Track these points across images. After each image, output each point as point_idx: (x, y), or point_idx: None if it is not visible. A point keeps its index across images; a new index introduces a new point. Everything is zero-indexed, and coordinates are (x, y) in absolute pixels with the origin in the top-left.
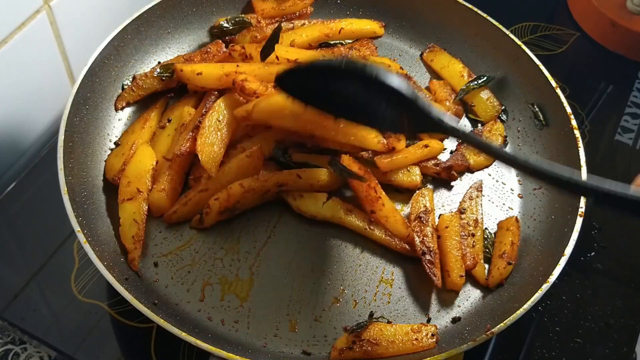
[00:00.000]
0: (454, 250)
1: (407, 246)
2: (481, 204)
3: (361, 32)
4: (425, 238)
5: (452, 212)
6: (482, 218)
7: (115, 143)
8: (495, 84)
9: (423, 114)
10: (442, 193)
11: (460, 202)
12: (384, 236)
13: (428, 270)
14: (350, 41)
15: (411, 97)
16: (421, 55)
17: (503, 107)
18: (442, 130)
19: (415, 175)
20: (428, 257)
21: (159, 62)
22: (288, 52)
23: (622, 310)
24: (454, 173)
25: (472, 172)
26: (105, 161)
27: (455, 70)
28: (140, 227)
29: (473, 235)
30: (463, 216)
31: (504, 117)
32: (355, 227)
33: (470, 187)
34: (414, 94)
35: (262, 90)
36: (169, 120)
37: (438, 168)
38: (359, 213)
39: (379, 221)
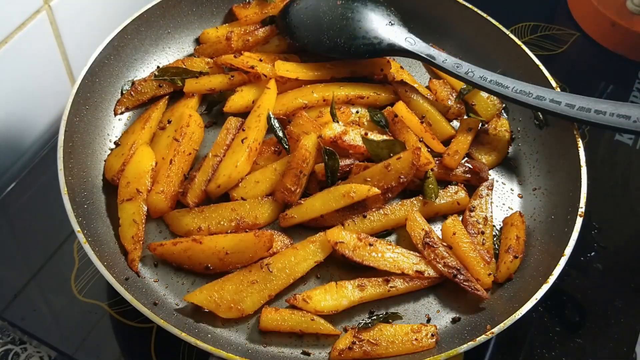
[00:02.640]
0: (471, 252)
1: (433, 276)
2: (491, 202)
3: None
4: (445, 260)
5: (451, 217)
6: (491, 216)
7: (115, 143)
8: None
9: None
10: None
11: (470, 200)
12: (407, 285)
13: (469, 289)
14: None
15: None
16: None
17: (504, 105)
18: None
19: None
20: (461, 276)
21: (158, 66)
22: (289, 71)
23: (622, 310)
24: (482, 175)
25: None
26: (104, 161)
27: None
28: (139, 228)
29: (483, 232)
30: (472, 214)
31: (504, 116)
32: (377, 296)
33: (482, 185)
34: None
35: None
36: (169, 122)
37: (468, 175)
38: (371, 281)
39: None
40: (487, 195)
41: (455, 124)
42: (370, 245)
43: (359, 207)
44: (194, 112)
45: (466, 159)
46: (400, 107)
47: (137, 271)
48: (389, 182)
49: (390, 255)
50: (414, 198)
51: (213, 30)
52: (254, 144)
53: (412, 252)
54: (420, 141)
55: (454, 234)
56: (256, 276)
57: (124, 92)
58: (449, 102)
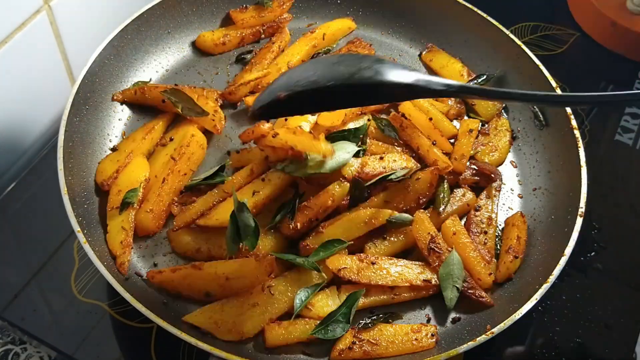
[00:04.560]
0: (471, 252)
1: (438, 284)
2: (497, 204)
3: (340, 31)
4: None
5: (451, 217)
6: (496, 217)
7: (113, 148)
8: (495, 84)
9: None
10: None
11: (476, 200)
12: (412, 294)
13: (474, 297)
14: (335, 46)
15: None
16: (420, 55)
17: (504, 106)
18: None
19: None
20: (466, 284)
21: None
22: (288, 136)
23: (622, 310)
24: (491, 175)
25: None
26: (98, 163)
27: (455, 70)
28: (128, 234)
29: (485, 232)
30: (477, 213)
31: (504, 116)
32: (381, 302)
33: (490, 185)
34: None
35: None
36: (171, 139)
37: (476, 178)
38: (375, 287)
39: None
40: (495, 196)
41: (455, 124)
42: (373, 263)
43: (378, 228)
44: (197, 132)
45: (471, 160)
46: (407, 106)
47: (126, 274)
48: (408, 204)
49: (395, 270)
50: (427, 210)
51: (209, 34)
52: (261, 200)
53: (414, 262)
54: (433, 144)
55: (454, 234)
56: (257, 299)
57: (132, 85)
58: (449, 102)
